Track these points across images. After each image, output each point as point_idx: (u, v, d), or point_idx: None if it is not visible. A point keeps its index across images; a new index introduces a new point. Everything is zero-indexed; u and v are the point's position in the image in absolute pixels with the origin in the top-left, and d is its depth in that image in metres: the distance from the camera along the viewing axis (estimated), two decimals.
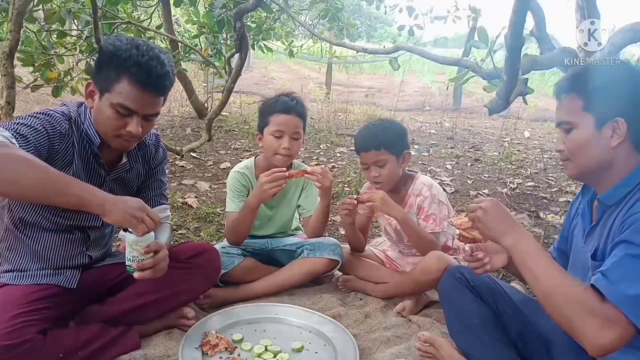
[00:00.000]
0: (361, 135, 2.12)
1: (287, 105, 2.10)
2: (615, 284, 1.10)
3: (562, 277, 1.19)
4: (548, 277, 1.18)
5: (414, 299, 2.05)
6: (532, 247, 1.25)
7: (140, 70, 1.45)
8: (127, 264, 1.48)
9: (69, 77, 3.26)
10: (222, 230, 2.68)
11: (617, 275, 1.11)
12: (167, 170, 1.91)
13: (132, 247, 1.45)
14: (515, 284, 2.14)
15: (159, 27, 5.02)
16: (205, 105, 6.08)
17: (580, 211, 1.42)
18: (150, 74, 1.46)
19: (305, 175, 2.04)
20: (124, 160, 1.70)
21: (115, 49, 1.48)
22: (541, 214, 3.41)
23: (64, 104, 1.63)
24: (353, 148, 5.04)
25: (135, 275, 1.48)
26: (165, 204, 1.85)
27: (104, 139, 1.58)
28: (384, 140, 2.03)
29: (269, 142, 2.10)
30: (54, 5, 3.29)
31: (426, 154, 5.13)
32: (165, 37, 5.36)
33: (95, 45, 2.68)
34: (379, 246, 2.54)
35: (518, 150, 5.45)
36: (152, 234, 1.46)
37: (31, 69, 3.15)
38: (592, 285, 1.14)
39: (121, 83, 1.47)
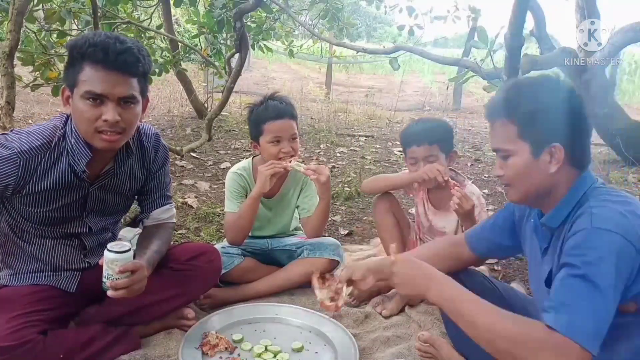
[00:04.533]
0: (412, 130, 2.11)
1: (278, 110, 2.08)
2: (561, 313, 1.07)
3: (500, 315, 1.15)
4: (485, 318, 1.14)
5: (397, 297, 2.03)
6: (457, 291, 1.22)
7: (97, 50, 1.39)
8: (103, 280, 1.44)
9: None
10: (222, 230, 2.67)
11: (561, 301, 1.08)
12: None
13: (108, 265, 1.42)
14: (515, 285, 2.14)
15: (159, 27, 5.03)
16: (205, 105, 6.08)
17: (532, 226, 1.38)
18: (107, 51, 1.39)
19: (302, 171, 2.06)
20: (109, 166, 1.61)
21: (74, 43, 1.45)
22: None
23: (55, 119, 1.57)
24: (354, 148, 5.11)
25: (109, 293, 1.44)
26: (168, 203, 1.84)
27: (92, 146, 1.49)
28: (436, 136, 2.02)
29: (268, 149, 2.09)
30: (54, 5, 3.30)
31: None
32: (165, 37, 5.37)
33: None
34: (379, 246, 2.53)
35: None
36: (130, 253, 1.44)
37: (31, 68, 3.16)
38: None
39: (84, 71, 1.40)
